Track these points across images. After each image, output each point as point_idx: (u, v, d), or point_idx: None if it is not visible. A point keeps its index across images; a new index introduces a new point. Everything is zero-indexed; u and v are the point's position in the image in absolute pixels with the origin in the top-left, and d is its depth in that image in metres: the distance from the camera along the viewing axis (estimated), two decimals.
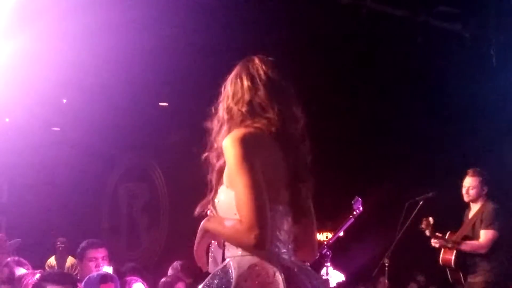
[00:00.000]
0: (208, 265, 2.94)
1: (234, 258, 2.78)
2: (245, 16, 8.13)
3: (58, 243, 9.86)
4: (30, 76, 8.23)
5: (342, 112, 9.54)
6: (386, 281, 7.44)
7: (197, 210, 2.95)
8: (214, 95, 3.06)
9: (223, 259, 2.88)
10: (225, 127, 2.89)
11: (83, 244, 5.84)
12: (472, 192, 7.30)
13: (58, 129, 11.47)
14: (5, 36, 7.70)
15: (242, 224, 2.66)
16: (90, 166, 11.17)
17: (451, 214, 7.73)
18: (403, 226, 7.26)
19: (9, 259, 5.60)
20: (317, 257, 5.60)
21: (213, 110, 2.99)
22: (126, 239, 12.38)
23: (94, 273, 4.80)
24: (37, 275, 4.93)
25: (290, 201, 2.87)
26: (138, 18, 7.73)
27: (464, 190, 7.36)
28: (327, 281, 5.51)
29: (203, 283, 2.82)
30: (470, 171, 7.34)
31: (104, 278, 4.64)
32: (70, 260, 9.39)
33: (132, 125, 10.90)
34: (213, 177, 2.90)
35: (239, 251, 2.78)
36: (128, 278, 5.60)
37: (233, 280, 2.70)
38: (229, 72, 3.04)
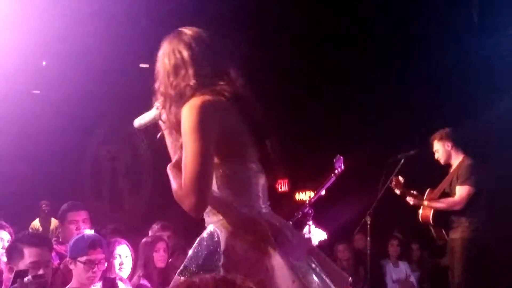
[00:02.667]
0: None
1: (218, 222, 2.83)
2: None
3: (43, 206, 9.86)
4: (9, 38, 8.13)
5: (324, 71, 9.52)
6: (368, 238, 7.51)
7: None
8: None
9: None
10: (173, 104, 2.88)
11: (64, 206, 5.82)
12: (439, 154, 7.39)
13: (38, 91, 11.38)
14: None
15: (181, 190, 2.70)
16: (71, 129, 11.10)
17: (432, 172, 7.79)
18: (384, 184, 7.31)
19: None
20: (299, 216, 5.67)
21: (156, 87, 2.99)
22: (109, 202, 12.38)
23: (83, 236, 4.75)
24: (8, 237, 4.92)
25: (260, 158, 2.92)
26: None
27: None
28: (309, 239, 5.57)
29: (192, 248, 2.88)
30: (430, 139, 7.43)
31: (93, 243, 4.62)
32: (53, 223, 9.39)
33: (113, 87, 10.84)
34: (176, 154, 2.93)
35: (220, 217, 2.83)
36: (112, 240, 5.60)
37: (222, 242, 2.76)
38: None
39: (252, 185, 2.86)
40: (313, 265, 2.80)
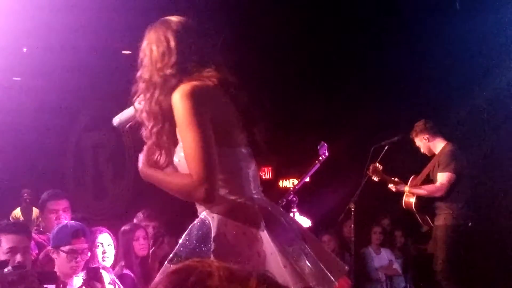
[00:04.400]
0: None
1: (209, 210, 2.82)
2: None
3: (25, 195, 9.77)
4: None
5: (308, 58, 9.48)
6: (352, 225, 7.50)
7: (140, 165, 2.97)
8: None
9: None
10: (157, 91, 2.86)
11: (44, 195, 5.73)
12: (422, 148, 7.42)
13: (19, 78, 11.26)
14: None
15: (192, 178, 2.65)
16: (54, 116, 11.00)
17: (416, 158, 7.79)
18: (368, 170, 7.31)
19: None
20: (283, 203, 5.64)
21: (138, 75, 2.97)
22: (92, 190, 12.31)
23: (67, 225, 4.71)
24: None
25: (249, 143, 2.93)
26: None
27: None
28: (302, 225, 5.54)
29: (183, 236, 2.86)
30: (411, 137, 7.48)
31: (76, 232, 4.58)
32: (35, 212, 9.31)
33: (95, 74, 10.73)
34: (162, 141, 2.87)
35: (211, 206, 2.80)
36: (94, 228, 5.53)
37: (213, 229, 2.75)
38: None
39: (242, 169, 2.86)
40: (306, 250, 2.79)
